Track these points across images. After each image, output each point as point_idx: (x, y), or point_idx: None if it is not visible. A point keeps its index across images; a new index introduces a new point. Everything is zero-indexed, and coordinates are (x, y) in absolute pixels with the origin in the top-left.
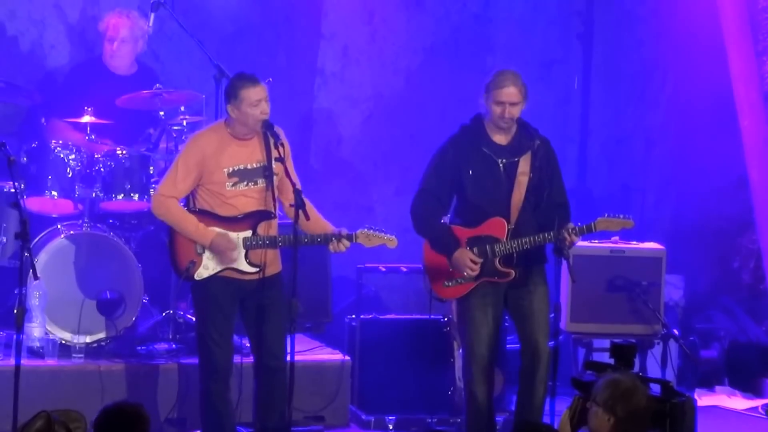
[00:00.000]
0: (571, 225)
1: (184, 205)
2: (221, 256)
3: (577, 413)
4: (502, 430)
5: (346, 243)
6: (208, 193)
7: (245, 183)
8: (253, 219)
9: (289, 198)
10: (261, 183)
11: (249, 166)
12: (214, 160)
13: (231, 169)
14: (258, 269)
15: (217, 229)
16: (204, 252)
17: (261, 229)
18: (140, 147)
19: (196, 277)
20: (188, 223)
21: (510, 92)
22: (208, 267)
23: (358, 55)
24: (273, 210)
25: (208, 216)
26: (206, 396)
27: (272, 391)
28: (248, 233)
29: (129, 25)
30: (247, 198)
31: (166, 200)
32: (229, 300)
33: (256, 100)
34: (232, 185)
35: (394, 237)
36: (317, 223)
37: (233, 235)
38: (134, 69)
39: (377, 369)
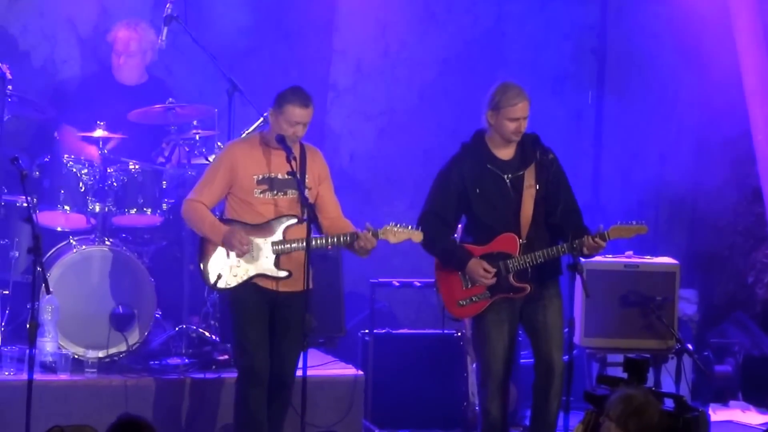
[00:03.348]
0: (602, 228)
1: (219, 217)
2: (232, 249)
3: (590, 427)
4: None
5: (372, 240)
6: (238, 201)
7: (275, 192)
8: (281, 223)
9: (328, 211)
10: (291, 194)
11: (279, 176)
12: (244, 168)
13: (260, 177)
14: (289, 273)
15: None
16: (232, 260)
17: (290, 233)
18: (153, 161)
19: (225, 285)
20: (205, 222)
21: (524, 107)
22: (237, 275)
23: (370, 70)
24: (301, 215)
25: (238, 224)
26: (244, 402)
27: (273, 408)
28: (277, 237)
29: (137, 38)
30: (276, 207)
31: (193, 203)
32: (260, 308)
33: (294, 121)
34: (261, 192)
35: (419, 230)
36: (341, 227)
37: (262, 240)
38: (144, 79)
39: (390, 384)
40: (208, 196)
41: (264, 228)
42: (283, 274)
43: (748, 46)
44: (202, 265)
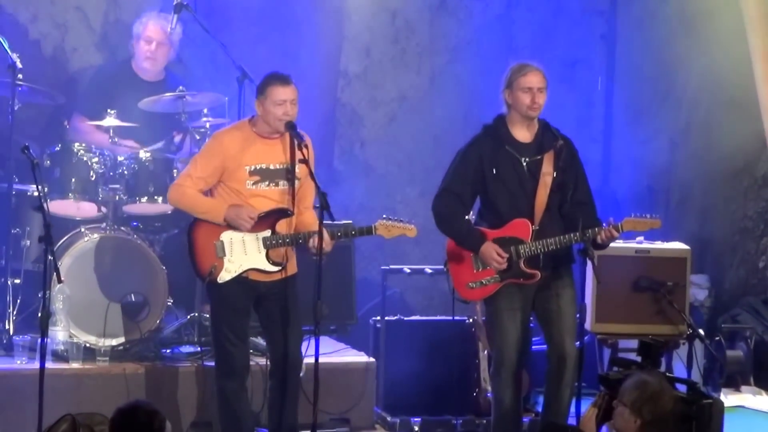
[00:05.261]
0: (613, 222)
1: None
2: (239, 223)
3: (602, 410)
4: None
5: (329, 242)
6: (228, 191)
7: (266, 183)
8: (271, 218)
9: (305, 203)
10: (282, 185)
11: (272, 166)
12: (236, 159)
13: (253, 168)
14: (280, 267)
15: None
16: (225, 255)
17: (280, 227)
18: (163, 150)
19: (219, 280)
20: (198, 202)
21: (535, 78)
22: (230, 270)
23: (381, 56)
24: (291, 208)
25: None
26: (222, 394)
27: (286, 392)
28: (267, 233)
29: (167, 28)
30: (267, 199)
31: (180, 188)
32: (244, 300)
33: (281, 100)
34: (253, 184)
35: (413, 226)
36: (306, 223)
37: (252, 235)
38: (162, 76)
39: (402, 370)
40: (198, 185)
41: (255, 222)
42: (274, 268)
43: (757, 32)
44: (194, 260)
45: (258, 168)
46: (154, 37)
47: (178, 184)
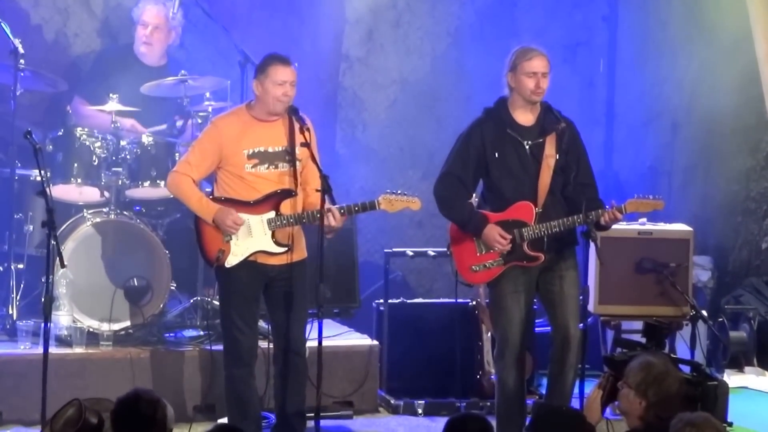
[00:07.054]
0: (616, 205)
1: (210, 194)
2: (225, 228)
3: (607, 391)
4: (531, 413)
5: (339, 219)
6: (229, 176)
7: (266, 166)
8: (275, 199)
9: (312, 185)
10: (283, 167)
11: (270, 149)
12: (234, 143)
13: (251, 151)
14: (286, 248)
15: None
16: (232, 239)
17: (284, 208)
18: (165, 134)
19: (227, 265)
20: (192, 199)
21: (540, 61)
22: (237, 254)
23: (383, 40)
24: (294, 188)
25: (230, 202)
26: (230, 382)
27: (291, 377)
28: (272, 214)
29: (164, 13)
30: (269, 181)
31: (179, 176)
32: (254, 285)
33: (281, 80)
34: (252, 167)
35: (417, 199)
36: (313, 203)
37: (257, 218)
38: (164, 61)
39: (405, 353)
40: (193, 171)
41: (257, 204)
42: (281, 249)
43: (759, 11)
44: (201, 245)
45: (256, 151)
46: (150, 22)
47: (177, 171)
